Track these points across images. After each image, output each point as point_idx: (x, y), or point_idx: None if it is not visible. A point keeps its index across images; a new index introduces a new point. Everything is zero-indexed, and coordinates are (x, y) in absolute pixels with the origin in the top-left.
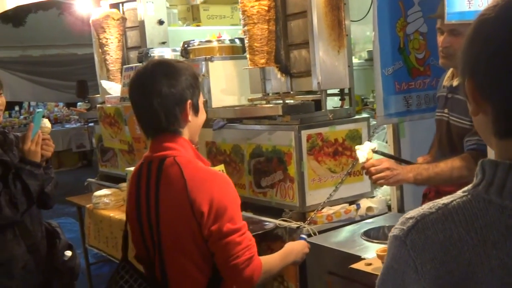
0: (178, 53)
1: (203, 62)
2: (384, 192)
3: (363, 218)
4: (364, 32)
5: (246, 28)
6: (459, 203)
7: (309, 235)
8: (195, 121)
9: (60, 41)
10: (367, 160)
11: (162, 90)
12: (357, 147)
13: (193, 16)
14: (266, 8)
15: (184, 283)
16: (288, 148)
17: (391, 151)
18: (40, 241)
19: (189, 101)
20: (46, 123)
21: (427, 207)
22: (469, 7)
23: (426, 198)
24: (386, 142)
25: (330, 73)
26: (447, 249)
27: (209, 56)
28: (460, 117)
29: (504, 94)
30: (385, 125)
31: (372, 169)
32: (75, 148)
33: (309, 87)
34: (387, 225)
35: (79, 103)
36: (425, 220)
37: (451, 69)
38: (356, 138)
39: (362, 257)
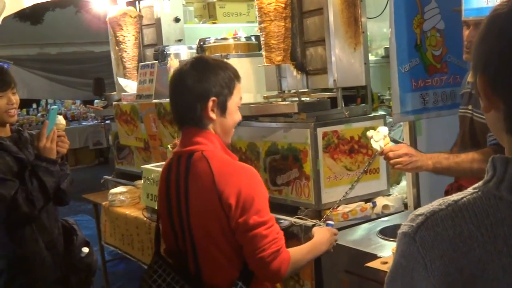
0: (194, 51)
1: None
2: (401, 190)
3: (379, 216)
4: (381, 29)
5: (262, 25)
6: (469, 200)
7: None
8: (222, 121)
9: (77, 39)
10: (383, 148)
11: (187, 84)
12: (369, 133)
13: (209, 13)
14: (283, 5)
15: (217, 275)
16: (303, 145)
17: None
18: (57, 237)
19: (212, 98)
20: (61, 119)
21: (437, 203)
22: (487, 3)
23: (447, 195)
24: (403, 140)
25: (346, 71)
26: (457, 246)
27: (225, 54)
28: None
29: None
30: (401, 123)
31: (391, 153)
32: (92, 146)
33: (325, 85)
34: (403, 223)
35: (96, 101)
36: (434, 216)
37: None
38: None
39: (378, 255)
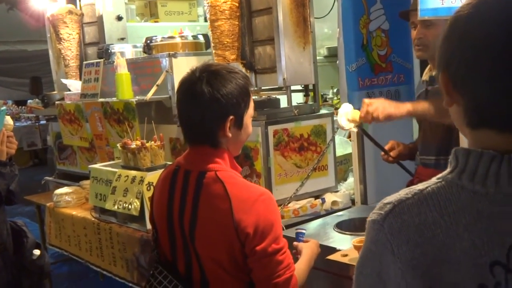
0: (139, 49)
1: (167, 58)
2: (348, 187)
3: (328, 212)
4: (322, 29)
5: (216, 23)
6: (433, 189)
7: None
8: (237, 137)
9: (9, 37)
10: (354, 121)
11: (203, 101)
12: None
13: (150, 12)
14: (237, 4)
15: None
16: (255, 143)
17: (355, 147)
18: (6, 239)
19: (230, 117)
20: (9, 120)
21: (403, 193)
22: (442, 3)
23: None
24: (348, 138)
25: (295, 69)
26: (422, 232)
27: (173, 52)
28: None
29: (473, 87)
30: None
31: (364, 108)
32: (26, 147)
33: (273, 84)
34: (357, 217)
35: (29, 100)
36: (402, 205)
37: (428, 66)
38: (321, 134)
39: (337, 248)
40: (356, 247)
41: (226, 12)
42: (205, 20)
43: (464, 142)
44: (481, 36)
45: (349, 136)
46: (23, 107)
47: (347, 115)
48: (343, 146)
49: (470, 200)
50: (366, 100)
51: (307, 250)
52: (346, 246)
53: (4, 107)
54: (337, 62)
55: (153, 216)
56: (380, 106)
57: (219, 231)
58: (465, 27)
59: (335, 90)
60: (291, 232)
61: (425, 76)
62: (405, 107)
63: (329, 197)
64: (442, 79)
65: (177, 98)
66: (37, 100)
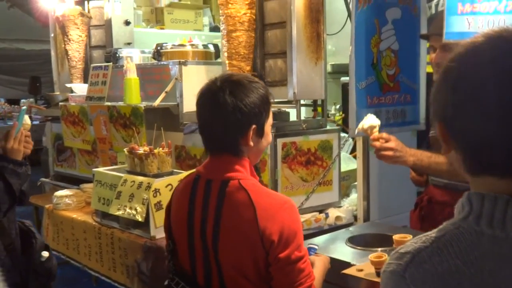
0: (147, 55)
1: (177, 66)
2: (351, 202)
3: (331, 227)
4: (327, 46)
5: (235, 34)
6: (452, 236)
7: None
8: (258, 145)
9: (8, 35)
10: (371, 129)
11: (226, 112)
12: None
13: (156, 18)
14: (254, 17)
15: None
16: (263, 155)
17: (360, 163)
18: (14, 239)
19: (253, 127)
20: (27, 119)
21: (420, 241)
22: (469, 28)
23: (418, 207)
24: (350, 154)
25: (306, 84)
26: (446, 281)
27: (183, 60)
28: None
29: (470, 136)
30: (350, 139)
31: (377, 143)
32: None
33: (283, 97)
34: (368, 233)
35: (22, 100)
36: (421, 254)
37: None
38: (327, 149)
39: (352, 263)
40: (373, 262)
41: (245, 24)
42: (210, 30)
43: None
44: (472, 85)
45: (351, 152)
46: (16, 106)
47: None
48: (346, 163)
49: (491, 245)
50: (385, 135)
51: (320, 263)
52: (360, 261)
53: (24, 107)
54: (341, 79)
55: (170, 226)
56: (393, 150)
57: (243, 239)
58: (456, 80)
59: (337, 107)
60: None
61: None
62: (410, 160)
63: (333, 212)
64: (439, 129)
65: (197, 108)
66: (30, 100)
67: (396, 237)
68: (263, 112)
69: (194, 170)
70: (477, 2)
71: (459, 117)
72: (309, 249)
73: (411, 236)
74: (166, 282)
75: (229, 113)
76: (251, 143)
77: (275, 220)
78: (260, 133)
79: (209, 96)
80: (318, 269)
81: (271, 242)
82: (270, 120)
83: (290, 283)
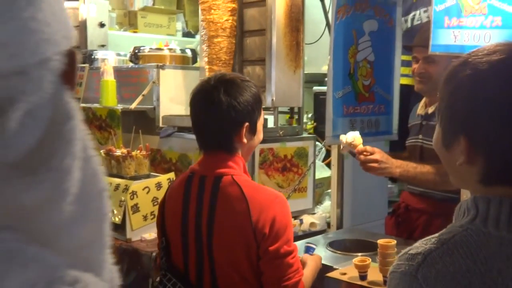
0: (122, 57)
1: (155, 69)
2: (324, 209)
3: (305, 234)
4: None
5: (217, 39)
6: (461, 238)
7: None
8: (251, 142)
9: None
10: (354, 144)
11: (220, 110)
12: (341, 137)
13: (129, 21)
14: (235, 23)
15: None
16: None
17: (334, 171)
18: None
19: (246, 124)
20: None
21: (429, 242)
22: (455, 41)
23: (395, 214)
24: (323, 161)
25: (284, 91)
26: (458, 281)
27: (161, 64)
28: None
29: (500, 151)
30: (322, 146)
31: (362, 156)
32: None
33: None
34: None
35: None
36: (432, 255)
37: (423, 100)
38: (303, 156)
39: (334, 267)
40: (357, 266)
41: (227, 30)
42: (183, 35)
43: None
44: (506, 102)
45: (323, 160)
46: None
47: (348, 139)
48: (319, 170)
49: (499, 246)
50: (369, 148)
51: (312, 262)
52: (342, 265)
53: None
54: (313, 88)
55: (164, 224)
56: (377, 162)
57: (237, 232)
58: (490, 93)
59: (309, 115)
60: None
61: (421, 110)
62: (397, 172)
63: (307, 219)
64: (464, 142)
65: (191, 107)
66: None
67: (380, 241)
68: (256, 110)
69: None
70: (463, 16)
71: (491, 130)
72: (307, 247)
73: (395, 241)
74: (157, 279)
75: (224, 111)
76: (245, 140)
77: (268, 212)
78: (252, 130)
79: (204, 94)
80: (309, 267)
81: (263, 234)
82: (261, 118)
83: (279, 277)
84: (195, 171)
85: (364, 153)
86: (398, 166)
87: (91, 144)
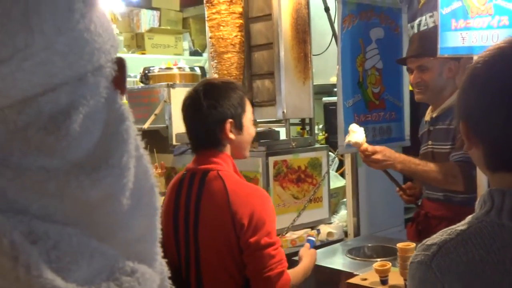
0: (132, 79)
1: (165, 89)
2: (341, 218)
3: (323, 243)
4: None
5: (227, 55)
6: (475, 229)
7: None
8: (240, 138)
9: None
10: (358, 143)
11: (202, 111)
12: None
13: (137, 43)
14: (243, 39)
15: None
16: (255, 174)
17: (349, 180)
18: None
19: (229, 121)
20: None
21: (445, 234)
22: (463, 43)
23: (415, 221)
24: (336, 171)
25: (294, 103)
26: (471, 270)
27: (171, 83)
28: (442, 144)
29: (492, 135)
30: (335, 157)
31: (363, 156)
32: None
33: (271, 116)
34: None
35: None
36: (447, 245)
37: (430, 107)
38: (316, 166)
39: (355, 273)
40: (378, 271)
41: (236, 46)
42: (190, 54)
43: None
44: (498, 87)
45: (337, 170)
46: None
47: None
48: (333, 180)
49: None
50: (370, 148)
51: (307, 259)
52: (362, 271)
53: None
54: (323, 99)
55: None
56: (378, 163)
57: (218, 224)
58: (484, 81)
59: (320, 126)
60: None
61: (427, 117)
62: (398, 167)
63: (324, 228)
64: (463, 128)
65: (182, 113)
66: None
67: (400, 245)
68: (238, 106)
69: None
70: (470, 18)
71: (484, 117)
72: (308, 241)
73: (414, 244)
74: None
75: (206, 111)
76: (232, 136)
77: (246, 204)
78: (238, 126)
79: (189, 101)
80: (302, 263)
81: (241, 225)
82: (248, 115)
83: (261, 268)
84: (188, 169)
85: (366, 152)
86: (401, 161)
87: (141, 144)
